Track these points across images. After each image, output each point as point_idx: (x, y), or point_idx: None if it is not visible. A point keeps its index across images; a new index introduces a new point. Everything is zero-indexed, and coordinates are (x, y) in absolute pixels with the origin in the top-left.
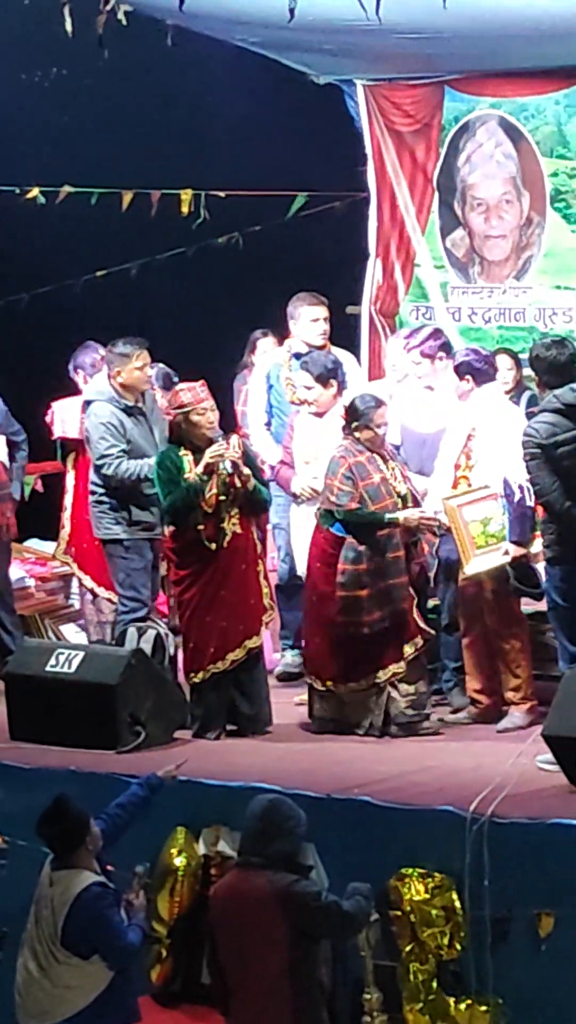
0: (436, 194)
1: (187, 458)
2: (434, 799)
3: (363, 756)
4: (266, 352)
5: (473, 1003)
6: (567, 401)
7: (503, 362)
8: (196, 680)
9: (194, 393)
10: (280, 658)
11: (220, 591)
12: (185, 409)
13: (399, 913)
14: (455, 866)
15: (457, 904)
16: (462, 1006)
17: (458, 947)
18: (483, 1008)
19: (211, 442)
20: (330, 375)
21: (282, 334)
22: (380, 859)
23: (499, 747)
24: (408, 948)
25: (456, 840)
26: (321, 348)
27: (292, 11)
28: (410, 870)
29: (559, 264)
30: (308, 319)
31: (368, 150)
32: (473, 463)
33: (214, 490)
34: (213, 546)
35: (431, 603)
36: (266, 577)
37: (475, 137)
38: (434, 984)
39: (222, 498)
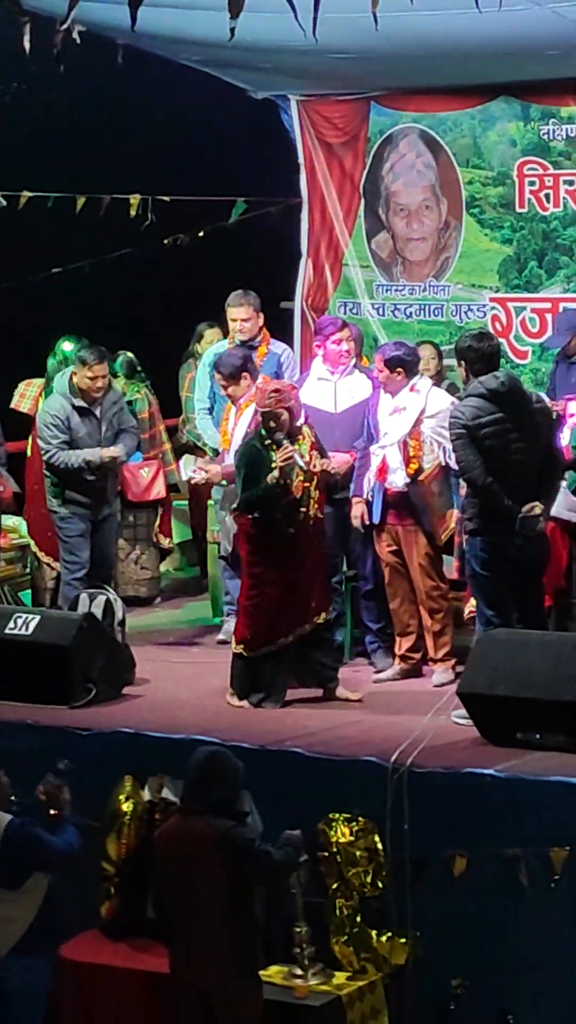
0: (362, 200)
1: (272, 451)
2: (359, 751)
3: (294, 712)
4: (211, 342)
5: (393, 936)
6: (491, 387)
7: (426, 352)
8: (264, 652)
9: (264, 399)
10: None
11: (296, 571)
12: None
13: (326, 854)
14: (378, 811)
15: (379, 846)
16: (383, 938)
17: (380, 885)
18: (402, 940)
19: (290, 434)
20: (240, 371)
21: (226, 326)
22: (310, 805)
23: (419, 703)
24: (335, 886)
25: (379, 788)
26: (245, 344)
27: (232, 31)
28: (337, 815)
29: (474, 264)
30: (230, 319)
31: (301, 159)
32: (424, 442)
33: (299, 478)
34: (292, 531)
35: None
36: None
37: (398, 148)
38: (358, 918)
39: (306, 485)
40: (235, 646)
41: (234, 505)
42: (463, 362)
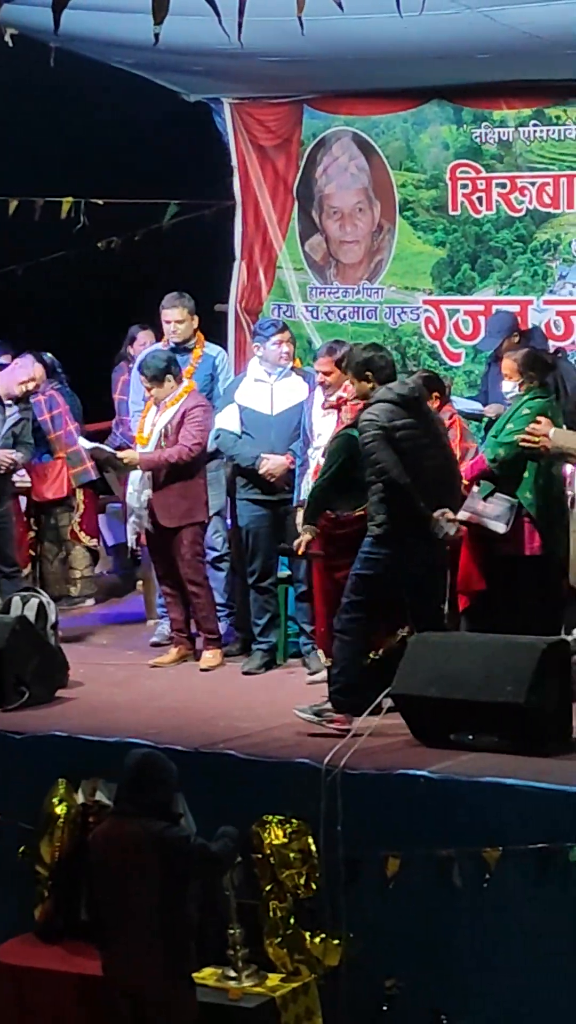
0: (296, 203)
1: None
2: (292, 752)
3: (227, 714)
4: (144, 344)
5: (327, 937)
6: (401, 393)
7: None
8: (374, 658)
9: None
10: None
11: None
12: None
13: (260, 856)
14: (311, 813)
15: (313, 847)
16: (317, 940)
17: (313, 886)
18: (335, 942)
19: None
20: (164, 372)
21: (159, 329)
22: (243, 807)
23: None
24: (268, 887)
25: (312, 789)
26: (179, 346)
27: (157, 36)
28: (270, 817)
29: (407, 267)
30: (164, 320)
31: (234, 162)
32: None
33: None
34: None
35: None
36: None
37: (331, 151)
38: (292, 920)
39: None
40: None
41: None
42: (368, 372)
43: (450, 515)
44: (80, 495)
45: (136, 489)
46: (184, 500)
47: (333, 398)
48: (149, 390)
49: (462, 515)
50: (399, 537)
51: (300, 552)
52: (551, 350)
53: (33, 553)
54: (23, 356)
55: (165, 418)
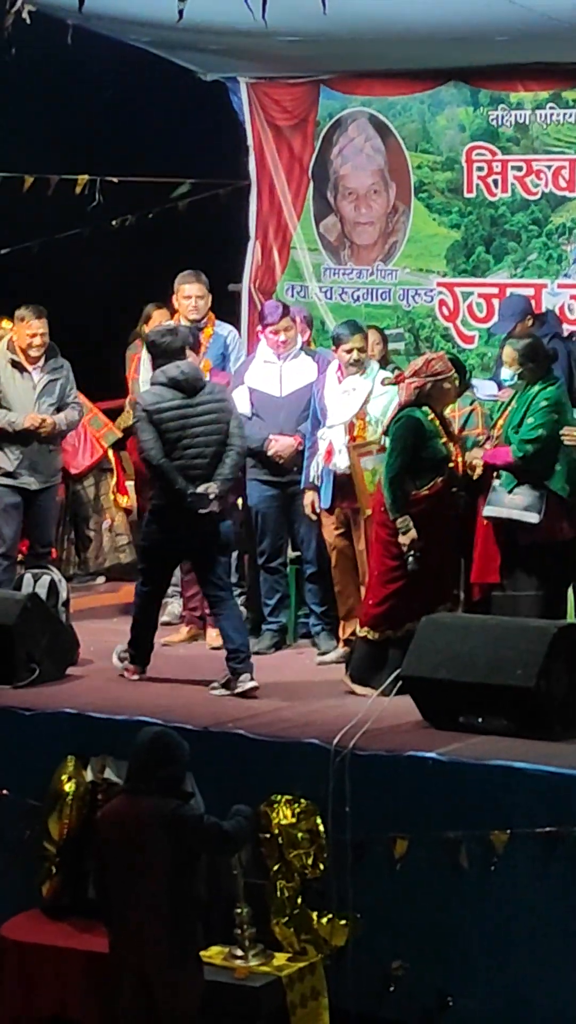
0: (311, 183)
1: (435, 422)
2: (301, 733)
3: None
4: (159, 323)
5: (334, 917)
6: (171, 375)
7: (372, 337)
8: (388, 636)
9: (444, 363)
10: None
11: (435, 554)
12: (439, 377)
13: (268, 836)
14: (319, 793)
15: (321, 828)
16: (324, 920)
17: (321, 867)
18: (342, 922)
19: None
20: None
21: (173, 308)
22: (251, 787)
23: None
24: (276, 867)
25: (321, 770)
26: (196, 322)
27: (181, 12)
28: (279, 797)
29: (421, 249)
30: (182, 296)
31: (250, 142)
32: (369, 423)
33: (459, 458)
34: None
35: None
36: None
37: (347, 132)
38: (299, 900)
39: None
40: (360, 629)
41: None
42: (152, 356)
43: (212, 489)
44: (112, 456)
45: None
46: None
47: (392, 373)
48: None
49: (489, 511)
50: (164, 512)
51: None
52: (565, 333)
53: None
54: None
55: None
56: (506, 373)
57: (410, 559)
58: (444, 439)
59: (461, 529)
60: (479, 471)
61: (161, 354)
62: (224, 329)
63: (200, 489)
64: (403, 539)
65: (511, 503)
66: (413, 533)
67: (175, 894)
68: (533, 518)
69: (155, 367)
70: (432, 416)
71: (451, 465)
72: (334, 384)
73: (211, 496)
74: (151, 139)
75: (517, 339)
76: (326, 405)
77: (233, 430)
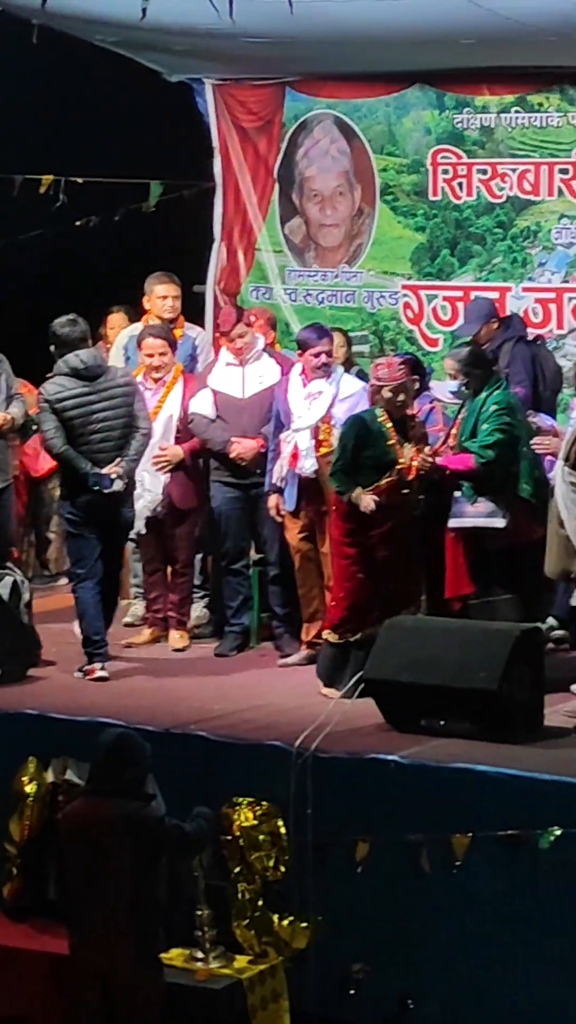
0: (276, 185)
1: (384, 424)
2: (263, 735)
3: (199, 695)
4: (114, 327)
5: (295, 920)
6: (72, 365)
7: (336, 340)
8: (349, 639)
9: (390, 370)
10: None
11: (391, 557)
12: (380, 383)
13: (229, 838)
14: (281, 796)
15: (282, 830)
16: (285, 922)
17: (282, 869)
18: (303, 924)
19: (403, 417)
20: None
21: (137, 309)
22: (214, 789)
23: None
24: (237, 869)
25: (283, 772)
26: (170, 323)
27: (144, 11)
28: (240, 799)
29: (386, 251)
30: (156, 296)
31: (215, 143)
32: (334, 426)
33: (413, 462)
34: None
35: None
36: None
37: (312, 134)
38: (260, 902)
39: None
40: (324, 632)
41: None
42: (54, 346)
43: (115, 470)
44: None
45: (152, 472)
46: (198, 482)
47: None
48: (156, 367)
49: (455, 523)
50: (73, 498)
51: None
52: (530, 337)
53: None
54: None
55: (174, 402)
56: (452, 385)
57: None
58: (392, 441)
59: (428, 535)
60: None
61: (62, 344)
62: (193, 331)
63: (104, 470)
64: (363, 508)
65: (475, 512)
66: (369, 501)
67: (136, 896)
68: (500, 523)
69: (58, 357)
70: (383, 418)
71: (399, 468)
72: (298, 387)
73: (113, 477)
74: (116, 140)
75: (458, 349)
76: (290, 408)
77: (138, 412)
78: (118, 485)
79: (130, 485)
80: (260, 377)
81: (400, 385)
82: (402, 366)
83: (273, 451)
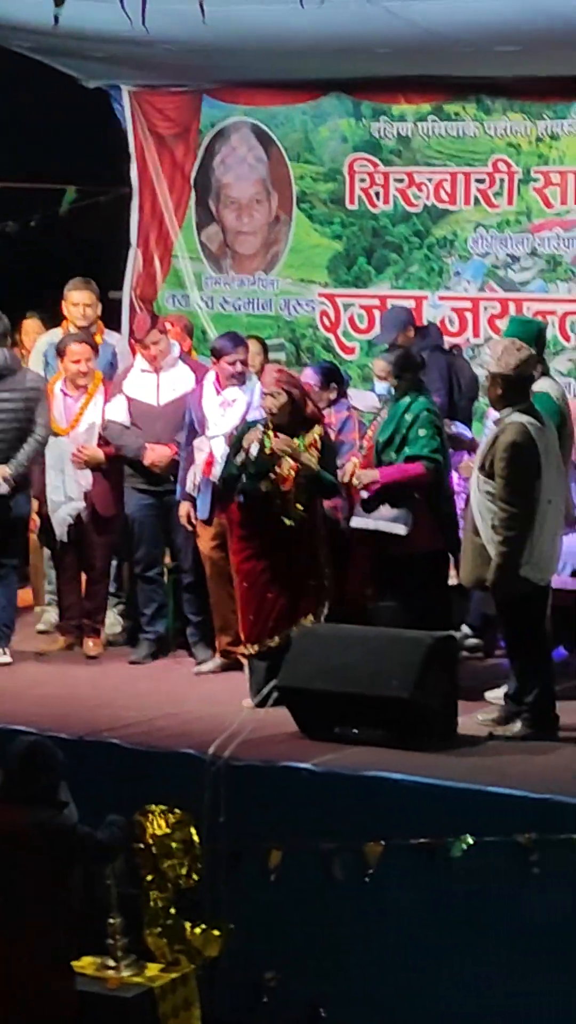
0: (193, 192)
1: (266, 434)
2: (177, 742)
3: (113, 703)
4: (28, 333)
5: (207, 928)
6: None
7: (252, 347)
8: (251, 652)
9: (267, 376)
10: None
11: (285, 569)
12: (264, 392)
13: (142, 846)
14: (195, 804)
15: (195, 838)
16: (197, 930)
17: (195, 877)
18: (216, 932)
19: (284, 426)
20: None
21: (52, 316)
22: (126, 797)
23: (238, 696)
24: (149, 877)
25: (196, 780)
26: (85, 329)
27: (57, 18)
28: (153, 807)
29: (303, 259)
30: (71, 303)
31: (132, 150)
32: None
33: (289, 473)
34: (288, 522)
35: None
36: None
37: (229, 142)
38: (172, 910)
39: (300, 481)
40: (243, 647)
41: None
42: None
43: (5, 471)
44: None
45: (75, 480)
46: (118, 489)
47: None
48: (82, 373)
49: (357, 523)
50: None
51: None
52: (446, 346)
53: None
54: None
55: (96, 409)
56: (380, 387)
57: None
58: (269, 452)
59: (330, 542)
60: (352, 478)
61: None
62: (113, 337)
63: None
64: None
65: (378, 515)
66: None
67: (48, 904)
68: (401, 530)
69: None
70: (268, 427)
71: (273, 478)
72: (212, 395)
73: (3, 477)
74: (33, 145)
75: (390, 351)
76: (205, 415)
77: (37, 418)
78: (3, 488)
79: (22, 485)
80: (175, 384)
81: (274, 392)
82: (279, 373)
83: (185, 459)
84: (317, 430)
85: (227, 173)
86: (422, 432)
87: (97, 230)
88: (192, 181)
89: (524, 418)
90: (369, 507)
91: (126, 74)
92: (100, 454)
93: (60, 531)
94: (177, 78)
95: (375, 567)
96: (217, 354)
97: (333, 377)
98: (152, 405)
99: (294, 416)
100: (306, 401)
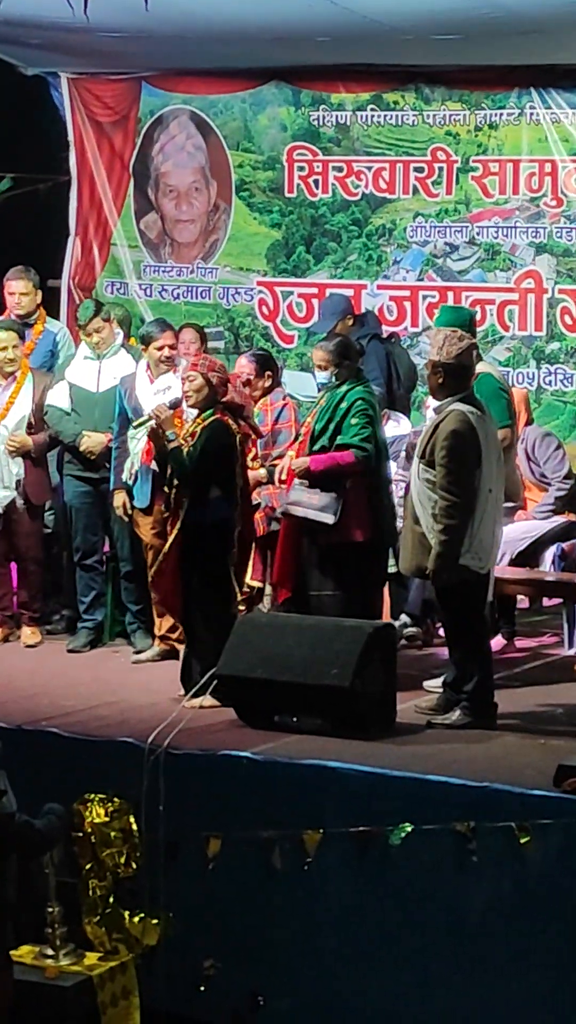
0: (132, 180)
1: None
2: (116, 731)
3: (51, 691)
4: None
5: (146, 917)
6: None
7: (188, 335)
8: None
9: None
10: None
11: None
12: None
13: (81, 834)
14: (133, 792)
15: (134, 827)
16: (136, 919)
17: (134, 866)
18: (154, 921)
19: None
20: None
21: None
22: (66, 785)
23: (177, 685)
24: (88, 866)
25: (135, 769)
26: (23, 318)
27: None
28: (92, 795)
29: (242, 247)
30: (7, 292)
31: (70, 137)
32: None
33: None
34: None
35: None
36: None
37: (168, 129)
38: (111, 899)
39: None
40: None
41: None
42: None
43: None
44: None
45: (5, 468)
46: (48, 479)
47: None
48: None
49: (286, 508)
50: None
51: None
52: (384, 334)
53: None
54: None
55: (25, 398)
56: (321, 375)
57: None
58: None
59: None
60: (284, 466)
61: None
62: (55, 326)
63: None
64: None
65: (309, 502)
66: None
67: None
68: (328, 519)
69: None
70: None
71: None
72: (145, 383)
73: None
74: None
75: (328, 339)
76: (140, 404)
77: None
78: None
79: None
80: (115, 372)
81: (190, 376)
82: (195, 357)
83: (118, 448)
84: (209, 416)
85: (166, 161)
86: (354, 421)
87: (36, 218)
88: (131, 169)
89: (465, 407)
90: (292, 495)
91: (64, 61)
92: (30, 441)
93: None
94: (116, 65)
95: (308, 556)
96: (145, 341)
97: (267, 365)
98: (92, 392)
99: (209, 400)
100: (225, 387)
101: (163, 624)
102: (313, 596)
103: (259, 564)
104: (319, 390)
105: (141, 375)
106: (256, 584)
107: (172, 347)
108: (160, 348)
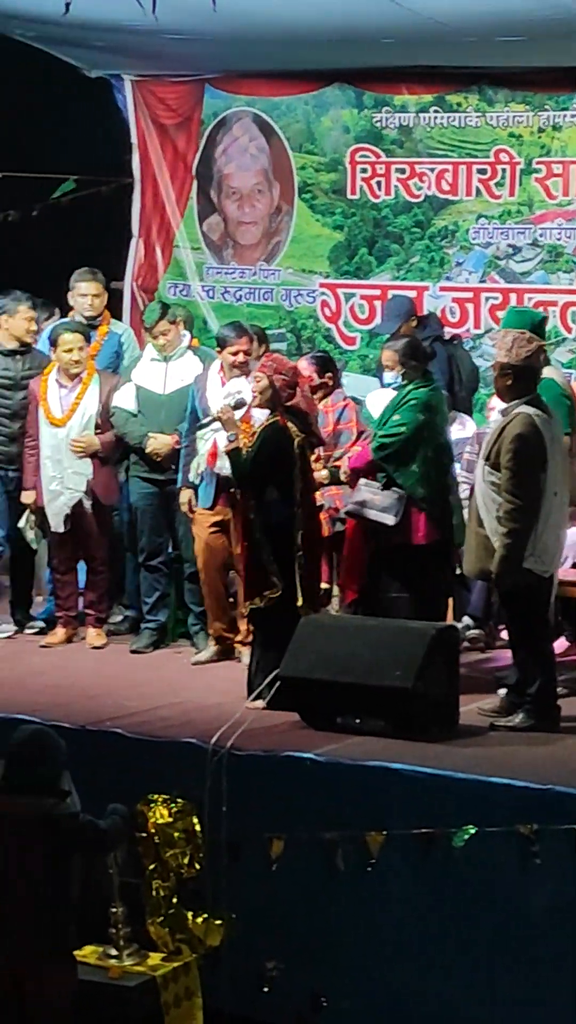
0: (195, 182)
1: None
2: (179, 732)
3: (115, 692)
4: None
5: (209, 917)
6: None
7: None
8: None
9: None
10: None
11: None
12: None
13: (144, 835)
14: (196, 793)
15: (197, 827)
16: (199, 920)
17: (197, 866)
18: (217, 922)
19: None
20: None
21: (46, 305)
22: (129, 786)
23: (240, 685)
24: (152, 867)
25: (198, 769)
26: (91, 319)
27: (68, 6)
28: (156, 796)
29: (304, 249)
30: (78, 294)
31: (134, 139)
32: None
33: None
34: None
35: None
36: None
37: (231, 131)
38: (174, 900)
39: None
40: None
41: None
42: None
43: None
44: None
45: (74, 470)
46: (116, 479)
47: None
48: (76, 361)
49: (349, 508)
50: None
51: None
52: (447, 336)
53: None
54: None
55: (92, 399)
56: (389, 376)
57: None
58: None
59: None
60: (343, 467)
61: None
62: (119, 327)
63: None
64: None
65: (372, 503)
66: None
67: (49, 893)
68: (389, 520)
69: None
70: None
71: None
72: (216, 385)
73: None
74: (35, 135)
75: (395, 339)
76: (209, 406)
77: None
78: None
79: None
80: (182, 373)
81: (257, 376)
82: (266, 358)
83: (187, 448)
84: (268, 419)
85: (229, 163)
86: (396, 417)
87: (100, 220)
88: (194, 171)
89: (531, 409)
90: (357, 496)
91: (128, 63)
92: (97, 442)
93: (56, 522)
94: (179, 67)
95: (374, 558)
96: (221, 343)
97: (327, 367)
98: (158, 394)
99: (272, 402)
100: (291, 390)
101: (216, 624)
102: (380, 598)
103: (325, 566)
104: (384, 389)
105: (213, 377)
106: (323, 586)
107: (246, 352)
108: (235, 352)
